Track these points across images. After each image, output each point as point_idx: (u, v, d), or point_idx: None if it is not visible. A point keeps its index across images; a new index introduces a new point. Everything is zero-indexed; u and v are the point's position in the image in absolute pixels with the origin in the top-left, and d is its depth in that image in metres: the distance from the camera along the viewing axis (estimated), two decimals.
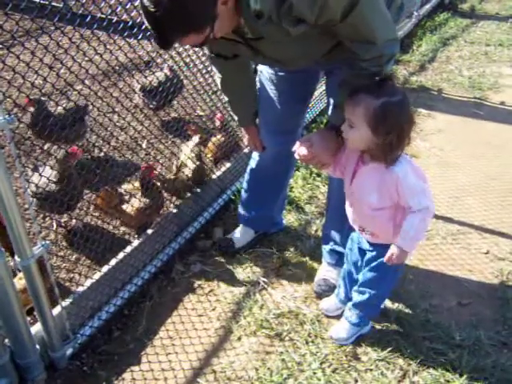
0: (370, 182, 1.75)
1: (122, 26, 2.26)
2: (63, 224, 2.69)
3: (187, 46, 2.52)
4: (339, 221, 2.33)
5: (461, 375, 1.98)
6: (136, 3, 2.25)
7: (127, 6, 2.15)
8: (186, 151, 2.77)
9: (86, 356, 2.09)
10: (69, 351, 2.02)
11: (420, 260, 2.56)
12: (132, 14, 2.24)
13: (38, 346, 1.91)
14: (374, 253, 1.92)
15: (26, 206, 1.79)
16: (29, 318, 2.02)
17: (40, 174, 2.19)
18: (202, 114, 3.51)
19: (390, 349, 2.09)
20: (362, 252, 2.00)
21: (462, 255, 2.61)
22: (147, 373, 2.04)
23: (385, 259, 1.82)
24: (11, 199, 1.59)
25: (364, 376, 2.00)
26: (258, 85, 2.22)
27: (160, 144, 2.93)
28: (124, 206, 2.50)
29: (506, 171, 3.29)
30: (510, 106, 4.14)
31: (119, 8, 2.13)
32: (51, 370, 2.00)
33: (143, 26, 2.42)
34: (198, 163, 2.71)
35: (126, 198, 2.53)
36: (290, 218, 2.83)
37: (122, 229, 2.66)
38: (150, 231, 2.45)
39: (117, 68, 3.53)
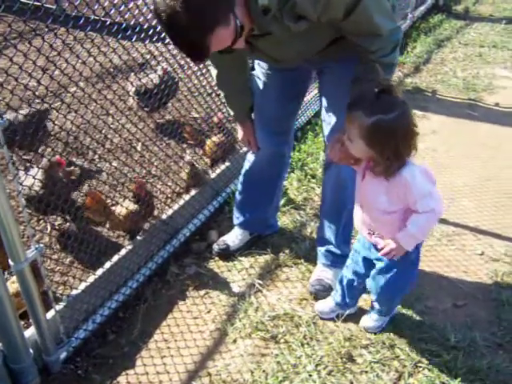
0: (378, 185, 1.74)
1: (115, 28, 2.25)
2: (57, 227, 2.68)
3: None
4: (334, 222, 2.33)
5: (456, 377, 1.98)
6: (130, 5, 2.27)
7: (121, 8, 2.14)
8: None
9: (81, 360, 2.08)
10: (63, 355, 2.01)
11: None
12: (126, 16, 2.24)
13: (31, 350, 1.90)
14: (383, 263, 1.92)
15: (20, 208, 1.77)
16: (22, 322, 2.00)
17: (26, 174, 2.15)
18: (196, 115, 3.51)
19: (385, 351, 2.09)
20: (368, 262, 2.00)
21: (456, 256, 2.61)
22: (142, 376, 2.03)
23: (380, 253, 1.83)
24: (4, 202, 1.58)
25: (359, 378, 2.00)
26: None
27: (155, 146, 2.92)
28: (113, 208, 2.48)
29: (500, 172, 3.30)
30: (504, 108, 4.15)
31: (113, 10, 2.13)
32: (45, 374, 1.99)
33: (137, 28, 2.44)
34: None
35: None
36: (284, 220, 2.82)
37: (117, 232, 2.65)
38: (144, 234, 2.44)
39: (111, 70, 3.53)
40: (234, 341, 2.16)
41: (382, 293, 2.00)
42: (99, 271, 2.22)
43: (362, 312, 2.24)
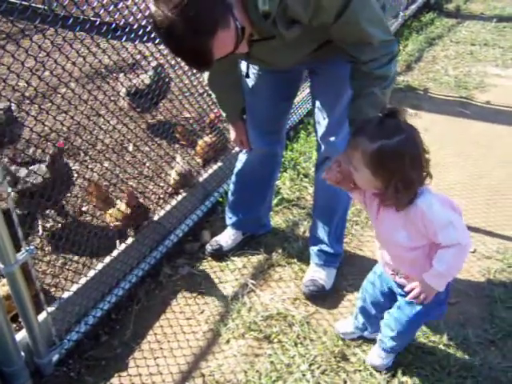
0: (394, 219, 1.60)
1: (105, 28, 2.24)
2: (47, 228, 2.66)
3: None
4: (326, 221, 2.33)
5: (449, 374, 1.98)
6: (119, 6, 2.26)
7: (110, 9, 2.13)
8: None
9: (73, 362, 2.07)
10: (55, 357, 2.00)
11: None
12: (116, 16, 2.23)
13: (23, 353, 1.89)
14: (406, 299, 1.74)
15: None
16: (14, 325, 1.99)
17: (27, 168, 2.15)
18: (188, 115, 3.50)
19: None
20: (389, 293, 1.86)
21: None
22: (135, 377, 2.02)
23: (408, 297, 1.68)
24: None
25: (353, 377, 2.00)
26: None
27: (146, 147, 2.91)
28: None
29: (492, 170, 3.31)
30: (495, 105, 4.16)
31: (102, 10, 2.11)
32: (37, 376, 1.98)
33: (127, 29, 2.43)
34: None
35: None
36: (277, 220, 2.82)
37: (112, 229, 2.64)
38: (137, 235, 2.43)
39: (101, 71, 3.51)
40: (228, 341, 2.16)
41: (401, 330, 1.83)
42: (91, 272, 2.20)
43: None
